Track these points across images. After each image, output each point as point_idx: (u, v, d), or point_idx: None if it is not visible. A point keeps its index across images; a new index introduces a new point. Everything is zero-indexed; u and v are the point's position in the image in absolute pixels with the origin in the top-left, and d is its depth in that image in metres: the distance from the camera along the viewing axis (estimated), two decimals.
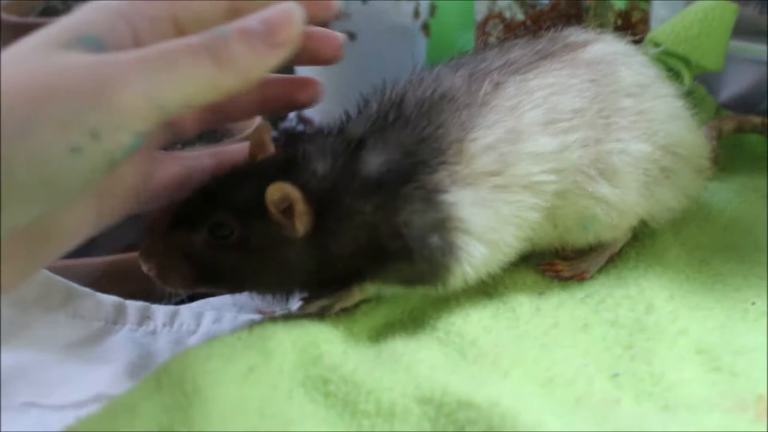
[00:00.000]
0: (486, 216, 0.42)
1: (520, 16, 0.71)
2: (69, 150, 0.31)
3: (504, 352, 0.40)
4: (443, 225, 0.42)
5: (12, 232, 0.32)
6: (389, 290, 0.45)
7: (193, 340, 0.50)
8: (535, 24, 0.71)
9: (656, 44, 0.61)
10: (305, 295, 0.46)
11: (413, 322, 0.45)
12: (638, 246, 0.51)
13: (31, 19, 0.54)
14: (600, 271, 0.49)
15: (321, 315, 0.45)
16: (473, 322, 0.43)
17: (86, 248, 0.42)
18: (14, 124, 0.30)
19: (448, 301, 0.45)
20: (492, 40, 0.70)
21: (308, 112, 0.80)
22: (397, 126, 0.43)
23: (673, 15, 0.63)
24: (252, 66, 0.33)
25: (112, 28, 0.34)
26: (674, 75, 0.59)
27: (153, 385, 0.39)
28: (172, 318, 0.52)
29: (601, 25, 0.71)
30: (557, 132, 0.44)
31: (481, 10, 0.70)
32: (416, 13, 0.71)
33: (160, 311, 0.52)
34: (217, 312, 0.53)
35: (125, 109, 0.31)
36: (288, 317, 0.44)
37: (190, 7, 0.35)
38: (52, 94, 0.31)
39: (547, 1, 0.70)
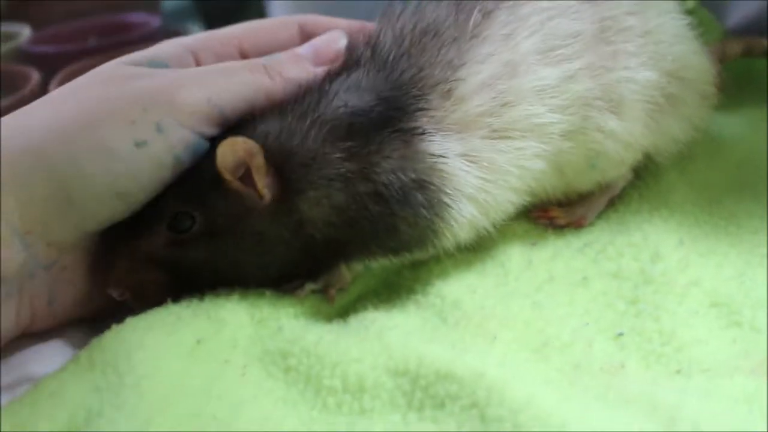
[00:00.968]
0: (476, 170, 0.40)
1: None
2: (134, 144, 0.36)
3: (491, 313, 0.38)
4: (427, 181, 0.39)
5: (89, 233, 0.38)
6: (377, 264, 0.42)
7: None
8: None
9: None
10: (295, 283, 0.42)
11: (388, 288, 0.43)
12: (641, 187, 0.49)
13: None
14: (599, 216, 0.47)
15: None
16: (455, 281, 0.41)
17: None
18: (83, 121, 0.36)
19: (427, 259, 0.43)
20: None
21: None
22: (369, 68, 0.41)
23: None
24: (297, 77, 0.41)
25: (179, 58, 0.41)
26: None
27: (85, 363, 0.35)
28: None
29: None
30: (558, 60, 0.42)
31: None
32: None
33: None
34: None
35: (187, 107, 0.37)
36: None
37: (257, 42, 0.44)
38: (120, 94, 0.37)
39: None
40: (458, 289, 0.40)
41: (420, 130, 0.39)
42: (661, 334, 0.37)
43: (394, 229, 0.39)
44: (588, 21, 0.42)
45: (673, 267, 0.41)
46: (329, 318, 0.40)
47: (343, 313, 0.41)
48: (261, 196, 0.38)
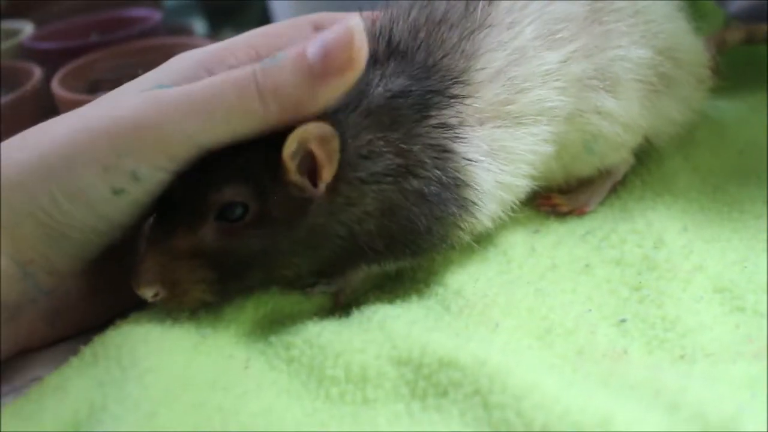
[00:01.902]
0: (498, 163, 0.40)
1: None
2: (112, 192, 0.35)
3: (494, 301, 0.38)
4: (461, 179, 0.39)
5: (83, 262, 0.37)
6: (394, 266, 0.41)
7: None
8: None
9: None
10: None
11: (390, 278, 0.42)
12: (644, 173, 0.49)
13: (81, 96, 0.60)
14: (602, 203, 0.47)
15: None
16: (458, 269, 0.41)
17: None
18: (59, 163, 0.34)
19: None
20: None
21: None
22: (392, 60, 0.39)
23: None
24: (300, 101, 0.34)
25: (191, 76, 0.37)
26: None
27: (89, 358, 0.35)
28: None
29: None
30: (557, 44, 0.42)
31: None
32: None
33: None
34: None
35: (165, 150, 0.34)
36: None
37: (271, 51, 0.38)
38: (96, 134, 0.35)
39: None
40: (461, 278, 0.40)
41: (453, 125, 0.39)
42: (664, 320, 0.36)
43: (428, 230, 0.38)
44: (580, 3, 0.43)
45: (677, 253, 0.41)
46: (331, 310, 0.40)
47: (346, 304, 0.40)
48: (322, 181, 0.36)
